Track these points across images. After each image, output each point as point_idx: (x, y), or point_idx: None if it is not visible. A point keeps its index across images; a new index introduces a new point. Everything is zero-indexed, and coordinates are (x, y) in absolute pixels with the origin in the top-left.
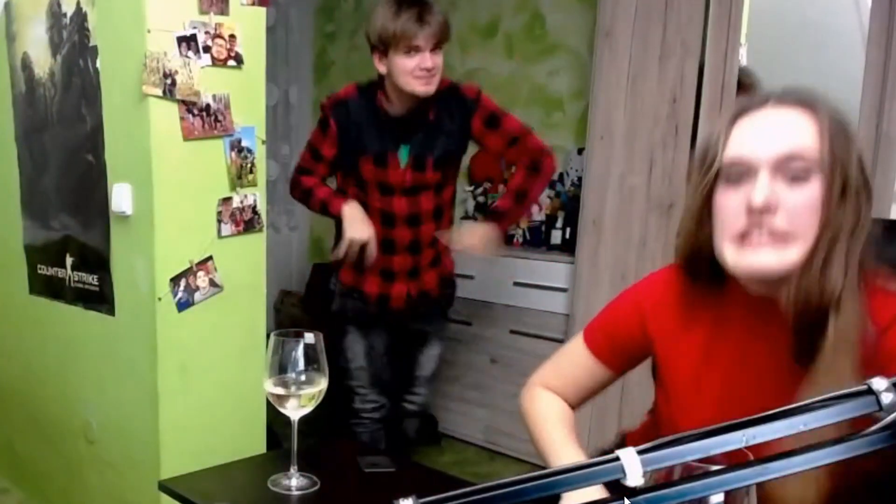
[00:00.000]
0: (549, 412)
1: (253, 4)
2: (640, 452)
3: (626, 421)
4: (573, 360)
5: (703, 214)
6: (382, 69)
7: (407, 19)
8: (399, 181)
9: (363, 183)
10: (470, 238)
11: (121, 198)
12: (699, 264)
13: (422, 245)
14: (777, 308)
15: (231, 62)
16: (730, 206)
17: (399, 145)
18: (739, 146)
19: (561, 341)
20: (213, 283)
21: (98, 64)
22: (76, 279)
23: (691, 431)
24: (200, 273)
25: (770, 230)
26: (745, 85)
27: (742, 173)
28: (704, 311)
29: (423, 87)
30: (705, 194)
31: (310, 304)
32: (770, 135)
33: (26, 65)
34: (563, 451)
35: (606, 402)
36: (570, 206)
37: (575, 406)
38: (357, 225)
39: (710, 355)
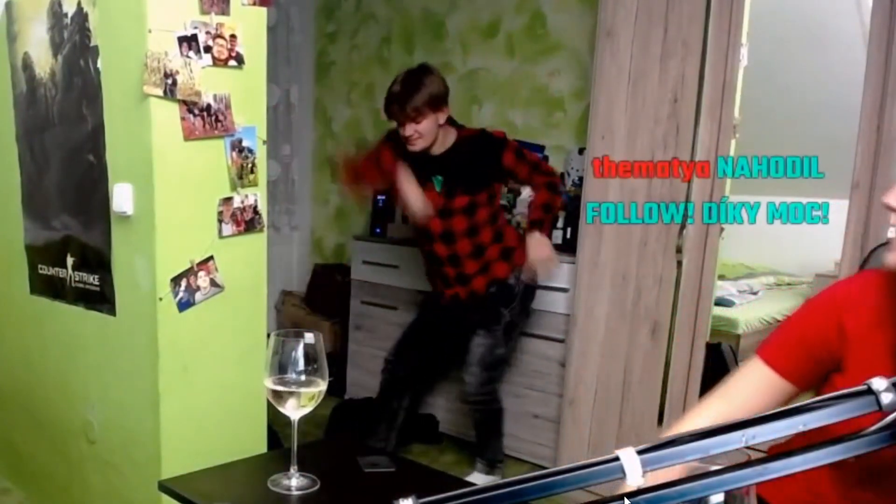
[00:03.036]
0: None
1: (254, 4)
2: (639, 452)
3: (627, 421)
4: (747, 385)
5: None
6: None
7: (397, 111)
8: (435, 206)
9: None
10: (542, 256)
11: (122, 198)
12: None
13: (461, 258)
14: None
15: (232, 62)
16: None
17: (429, 177)
18: None
19: (562, 341)
20: (213, 283)
21: (99, 64)
22: (77, 279)
23: (691, 431)
24: (201, 273)
25: None
26: None
27: None
28: None
29: (411, 147)
30: None
31: (311, 304)
32: None
33: (27, 65)
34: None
35: (608, 400)
36: (571, 207)
37: None
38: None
39: None
